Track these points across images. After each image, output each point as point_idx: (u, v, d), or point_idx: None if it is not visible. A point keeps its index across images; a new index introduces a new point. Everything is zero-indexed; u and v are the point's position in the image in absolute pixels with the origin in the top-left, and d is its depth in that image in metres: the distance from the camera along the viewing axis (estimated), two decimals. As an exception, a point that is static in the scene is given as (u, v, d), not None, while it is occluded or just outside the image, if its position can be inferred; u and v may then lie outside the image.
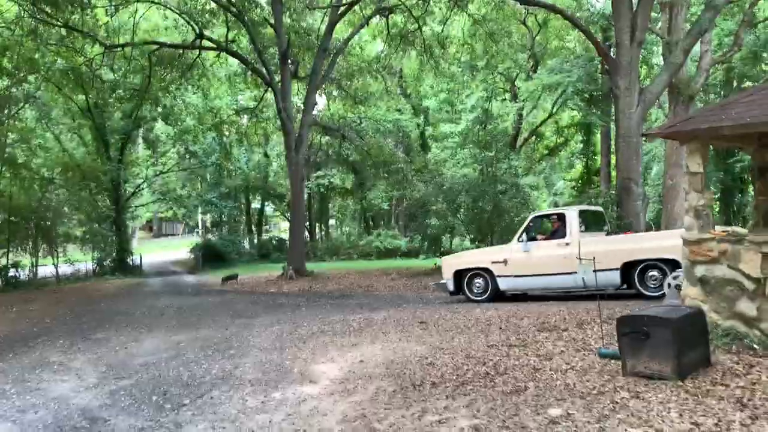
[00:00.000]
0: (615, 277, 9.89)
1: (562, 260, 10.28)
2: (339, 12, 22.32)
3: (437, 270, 17.01)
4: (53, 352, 8.62)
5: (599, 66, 29.06)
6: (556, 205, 38.61)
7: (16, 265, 24.22)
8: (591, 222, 11.64)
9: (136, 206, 38.49)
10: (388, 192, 35.63)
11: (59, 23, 19.70)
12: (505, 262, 11.10)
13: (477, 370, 5.75)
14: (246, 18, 21.20)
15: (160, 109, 30.65)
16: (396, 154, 31.63)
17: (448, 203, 21.98)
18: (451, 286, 11.84)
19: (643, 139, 16.82)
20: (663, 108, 25.27)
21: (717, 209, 30.45)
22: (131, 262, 31.81)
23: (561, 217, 10.92)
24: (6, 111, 22.58)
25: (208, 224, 50.48)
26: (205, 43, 22.88)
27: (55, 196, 27.25)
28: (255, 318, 11.33)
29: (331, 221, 48.80)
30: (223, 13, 22.46)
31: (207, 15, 22.67)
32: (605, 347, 6.10)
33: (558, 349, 6.35)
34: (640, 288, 9.78)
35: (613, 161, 34.18)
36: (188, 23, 22.91)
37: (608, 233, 11.44)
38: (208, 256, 33.42)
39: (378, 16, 23.77)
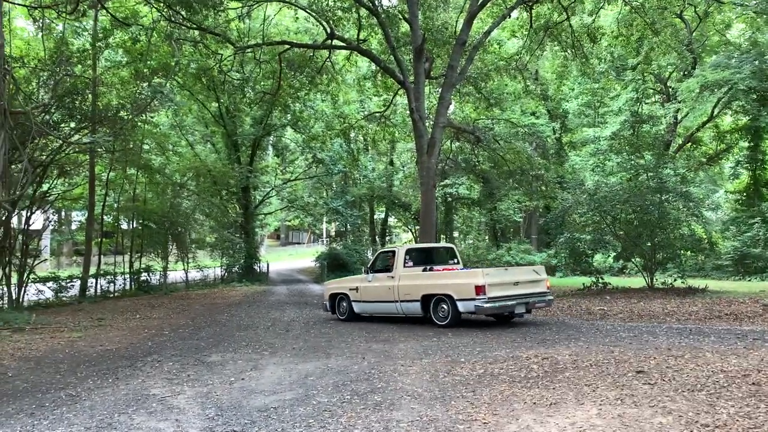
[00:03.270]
0: (417, 308, 11.53)
1: (387, 291, 12.20)
2: (479, 2, 20.25)
3: (586, 291, 17.64)
4: (158, 379, 7.11)
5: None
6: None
7: (148, 269, 24.40)
8: (439, 257, 13.42)
9: (264, 214, 38.71)
10: (522, 202, 32.86)
11: (193, 26, 19.36)
12: (357, 289, 12.99)
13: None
14: (380, 10, 19.72)
15: (289, 116, 30.25)
16: (534, 160, 28.86)
17: (601, 214, 19.05)
18: (328, 307, 13.79)
19: None
20: None
21: None
22: (258, 269, 31.69)
23: (393, 254, 12.61)
24: (143, 116, 22.75)
25: (333, 233, 50.30)
26: (336, 43, 21.71)
27: (186, 202, 27.43)
28: (394, 343, 9.38)
29: (455, 233, 46.65)
30: (354, 11, 21.21)
31: (339, 12, 21.48)
32: None
33: None
34: (433, 317, 11.29)
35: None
36: (319, 22, 21.89)
37: (427, 269, 12.37)
38: (333, 266, 32.58)
39: (520, 8, 21.46)
